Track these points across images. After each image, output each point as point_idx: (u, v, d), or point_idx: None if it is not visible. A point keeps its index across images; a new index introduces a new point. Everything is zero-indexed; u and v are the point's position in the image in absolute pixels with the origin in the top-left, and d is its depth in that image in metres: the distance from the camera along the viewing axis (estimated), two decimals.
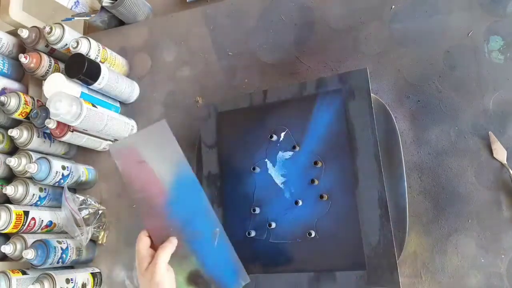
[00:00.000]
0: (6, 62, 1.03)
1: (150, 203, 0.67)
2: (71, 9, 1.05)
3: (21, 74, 1.08)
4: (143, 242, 0.63)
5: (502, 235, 0.70)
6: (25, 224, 0.89)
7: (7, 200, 0.93)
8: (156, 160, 0.67)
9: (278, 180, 0.79)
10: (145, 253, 0.62)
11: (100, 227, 0.97)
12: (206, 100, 0.94)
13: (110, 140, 0.99)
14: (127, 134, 0.98)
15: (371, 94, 0.74)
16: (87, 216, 0.93)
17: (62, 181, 0.92)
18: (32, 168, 0.86)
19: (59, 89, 0.88)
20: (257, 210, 0.78)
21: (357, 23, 0.86)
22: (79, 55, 0.88)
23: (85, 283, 0.90)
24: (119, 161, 0.67)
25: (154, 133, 0.69)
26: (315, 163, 0.76)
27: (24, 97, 0.94)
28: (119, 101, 1.02)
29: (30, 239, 0.89)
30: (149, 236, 0.64)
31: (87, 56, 0.90)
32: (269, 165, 0.80)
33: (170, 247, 0.62)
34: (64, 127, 0.89)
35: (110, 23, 1.09)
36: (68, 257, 0.90)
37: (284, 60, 0.90)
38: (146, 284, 0.59)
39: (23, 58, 0.94)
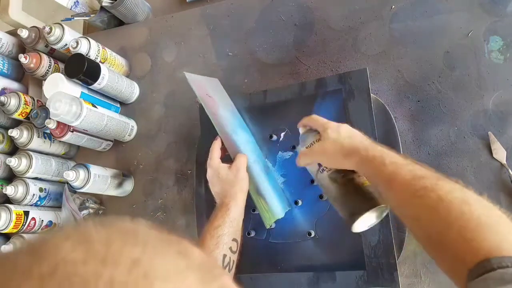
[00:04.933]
0: (6, 62, 1.03)
1: (221, 124, 0.76)
2: (70, 9, 1.05)
3: (21, 74, 1.08)
4: (218, 152, 0.74)
5: None
6: (25, 224, 0.89)
7: (7, 200, 0.94)
8: (218, 97, 0.81)
9: (278, 180, 0.79)
10: (219, 161, 0.73)
11: None
12: None
13: (110, 141, 0.99)
14: (128, 134, 0.98)
15: (371, 94, 0.74)
16: (87, 216, 0.93)
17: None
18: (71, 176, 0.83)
19: (59, 89, 0.88)
20: (257, 210, 0.78)
21: (357, 23, 0.86)
22: (79, 55, 0.88)
23: None
24: (195, 87, 0.78)
25: (212, 82, 0.86)
26: None
27: (24, 97, 0.94)
28: (119, 101, 1.02)
29: None
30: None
31: (87, 56, 0.90)
32: (269, 165, 0.80)
33: (245, 156, 0.74)
34: (64, 127, 0.89)
35: (110, 23, 1.09)
36: None
37: (284, 60, 0.90)
38: (231, 179, 0.70)
39: (23, 58, 0.94)
